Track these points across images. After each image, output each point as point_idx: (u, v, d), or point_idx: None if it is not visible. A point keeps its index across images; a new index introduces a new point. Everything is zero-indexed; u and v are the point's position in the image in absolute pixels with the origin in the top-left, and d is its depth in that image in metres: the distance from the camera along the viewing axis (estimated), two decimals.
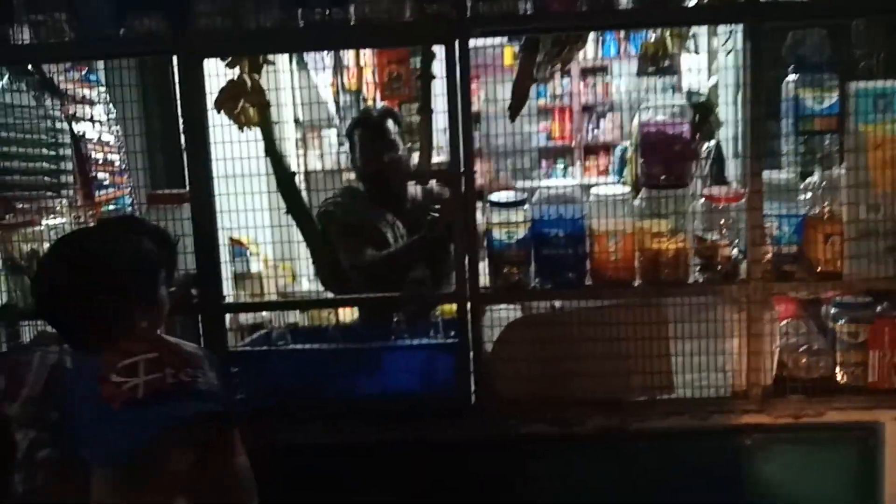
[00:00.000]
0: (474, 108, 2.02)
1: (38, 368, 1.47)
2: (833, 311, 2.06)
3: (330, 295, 2.64)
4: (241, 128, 2.44)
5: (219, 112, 2.35)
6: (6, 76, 2.26)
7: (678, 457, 2.00)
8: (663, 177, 2.02)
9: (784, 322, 2.08)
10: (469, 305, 2.02)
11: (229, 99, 2.37)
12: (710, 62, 3.33)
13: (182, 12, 2.00)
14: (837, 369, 2.03)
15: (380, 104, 2.95)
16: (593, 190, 2.06)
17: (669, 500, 1.97)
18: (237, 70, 2.38)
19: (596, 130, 6.02)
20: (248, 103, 2.39)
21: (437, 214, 2.26)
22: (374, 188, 2.56)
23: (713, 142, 2.69)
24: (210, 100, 2.12)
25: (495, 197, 2.05)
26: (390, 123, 2.57)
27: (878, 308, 2.02)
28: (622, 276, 2.05)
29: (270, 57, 2.41)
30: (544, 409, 2.05)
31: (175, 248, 1.67)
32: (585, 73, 5.88)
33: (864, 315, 2.00)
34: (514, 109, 2.29)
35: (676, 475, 1.98)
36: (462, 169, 1.96)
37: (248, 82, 2.37)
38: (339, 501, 1.97)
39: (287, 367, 2.09)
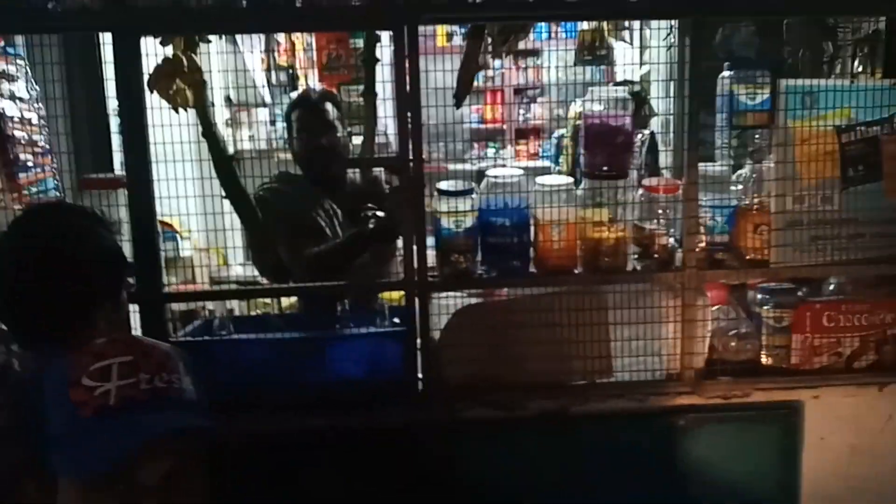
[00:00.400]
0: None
1: None
2: (759, 296, 2.18)
3: (265, 282, 2.60)
4: (175, 109, 2.34)
5: (152, 92, 2.25)
6: None
7: (617, 438, 2.09)
8: (605, 168, 2.08)
9: (715, 307, 2.18)
10: (417, 293, 2.03)
11: (164, 78, 2.26)
12: (642, 53, 3.43)
13: None
14: (763, 352, 2.16)
15: (317, 86, 2.90)
16: (538, 179, 2.10)
17: (609, 480, 2.05)
18: (170, 48, 2.30)
19: (527, 114, 6.09)
20: (183, 83, 2.30)
21: (374, 208, 2.25)
22: (312, 172, 2.52)
23: (647, 131, 2.78)
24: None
25: (444, 185, 2.06)
26: (329, 105, 2.53)
27: (800, 293, 2.16)
28: (565, 264, 2.11)
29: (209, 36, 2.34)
30: (489, 393, 2.09)
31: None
32: (517, 55, 5.92)
33: (788, 300, 2.13)
34: (460, 96, 2.29)
35: (615, 455, 2.07)
36: (411, 157, 1.96)
37: (185, 61, 2.29)
38: (290, 488, 1.96)
39: (232, 357, 2.05)
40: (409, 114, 1.95)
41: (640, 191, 2.13)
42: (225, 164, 2.45)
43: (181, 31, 2.09)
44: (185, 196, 2.16)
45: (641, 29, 3.17)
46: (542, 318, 2.07)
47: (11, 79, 2.51)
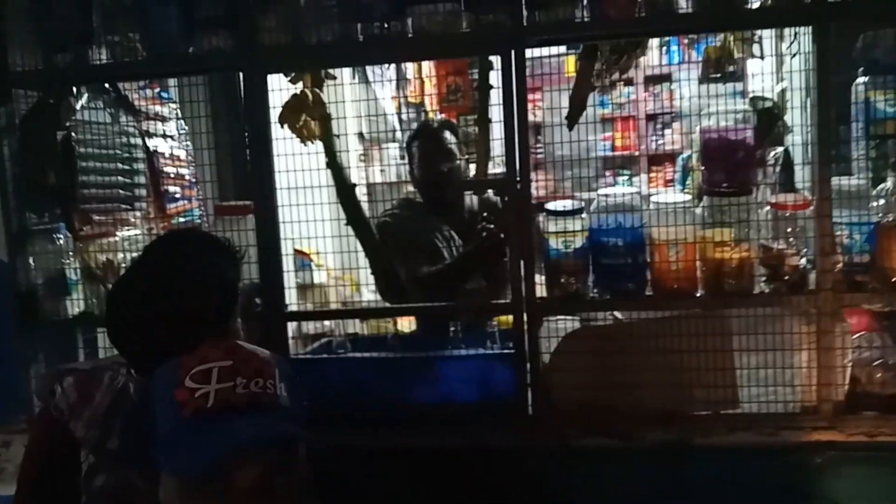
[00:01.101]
0: (536, 118, 2.02)
1: (106, 390, 1.44)
2: None
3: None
4: (303, 141, 2.50)
5: (282, 126, 2.42)
6: (85, 95, 2.38)
7: (743, 474, 1.93)
8: (725, 184, 1.97)
9: (857, 335, 1.98)
10: (525, 316, 2.01)
11: (291, 113, 2.43)
12: (778, 66, 3.23)
13: (247, 30, 2.07)
14: None
15: (438, 116, 2.99)
16: (653, 198, 2.03)
17: None
18: (300, 85, 2.46)
19: (661, 140, 5.91)
20: (309, 117, 2.45)
21: (489, 225, 2.26)
22: (431, 198, 2.59)
23: (781, 148, 2.61)
24: (274, 114, 2.19)
25: (552, 206, 2.04)
26: (448, 134, 2.61)
27: None
28: (684, 286, 2.01)
29: (332, 72, 2.48)
30: (602, 421, 2.01)
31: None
32: (649, 81, 5.79)
33: None
34: (572, 118, 2.27)
35: (741, 493, 1.91)
36: (518, 177, 1.96)
37: (310, 96, 2.44)
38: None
39: (347, 375, 2.12)
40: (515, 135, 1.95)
41: (767, 208, 2.00)
42: (347, 192, 2.57)
43: (301, 67, 2.22)
44: (316, 220, 2.28)
45: (776, 42, 3.00)
46: (660, 343, 1.98)
47: (164, 120, 2.80)
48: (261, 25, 2.06)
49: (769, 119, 2.51)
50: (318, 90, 2.47)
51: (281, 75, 2.32)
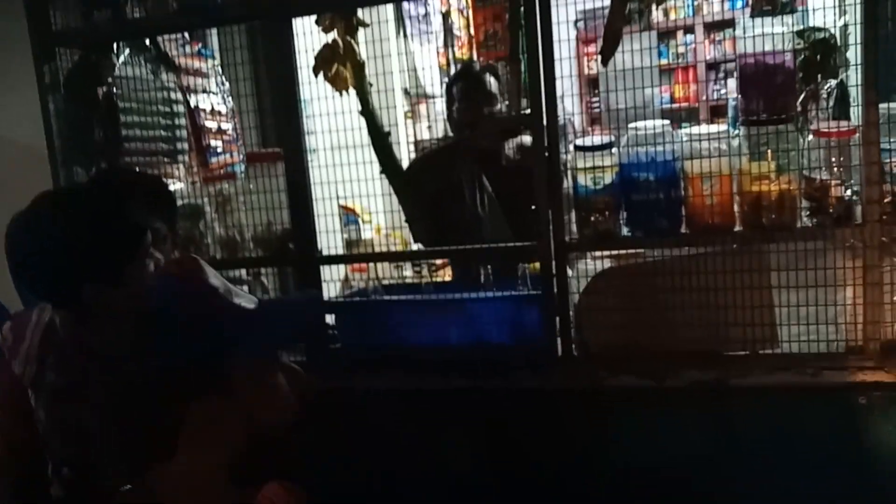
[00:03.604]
0: (592, 71, 1.96)
1: (34, 327, 1.49)
2: None
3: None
4: (339, 91, 2.50)
5: (316, 76, 2.43)
6: (125, 52, 2.44)
7: (782, 415, 1.85)
8: (763, 112, 1.86)
9: None
10: (553, 255, 1.97)
11: (324, 62, 2.43)
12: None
13: None
14: None
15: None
16: (686, 130, 1.94)
17: (771, 462, 1.82)
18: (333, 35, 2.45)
19: (723, 90, 5.65)
20: (340, 65, 2.44)
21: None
22: (468, 142, 2.54)
23: (835, 81, 2.45)
24: (300, 59, 2.20)
25: (580, 140, 1.98)
26: (490, 77, 2.56)
27: None
28: (721, 221, 1.92)
29: (367, 20, 2.46)
30: (634, 361, 1.96)
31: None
32: (710, 28, 5.53)
33: None
34: (606, 53, 2.19)
35: (780, 435, 1.83)
36: (544, 112, 1.91)
37: (341, 44, 2.43)
38: (425, 444, 1.99)
39: (376, 319, 2.14)
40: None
41: (810, 137, 1.88)
42: (381, 140, 2.56)
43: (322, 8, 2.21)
44: (366, 179, 2.28)
45: None
46: (695, 281, 1.91)
47: (205, 76, 2.84)
48: None
49: (824, 51, 2.36)
50: (349, 38, 2.46)
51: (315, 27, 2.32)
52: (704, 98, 5.60)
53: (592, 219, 1.98)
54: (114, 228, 1.39)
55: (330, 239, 2.25)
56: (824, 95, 2.46)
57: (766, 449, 1.85)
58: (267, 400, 1.11)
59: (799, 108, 2.01)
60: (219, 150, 2.84)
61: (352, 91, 2.50)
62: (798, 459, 1.81)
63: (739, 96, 1.92)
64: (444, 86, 2.68)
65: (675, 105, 5.72)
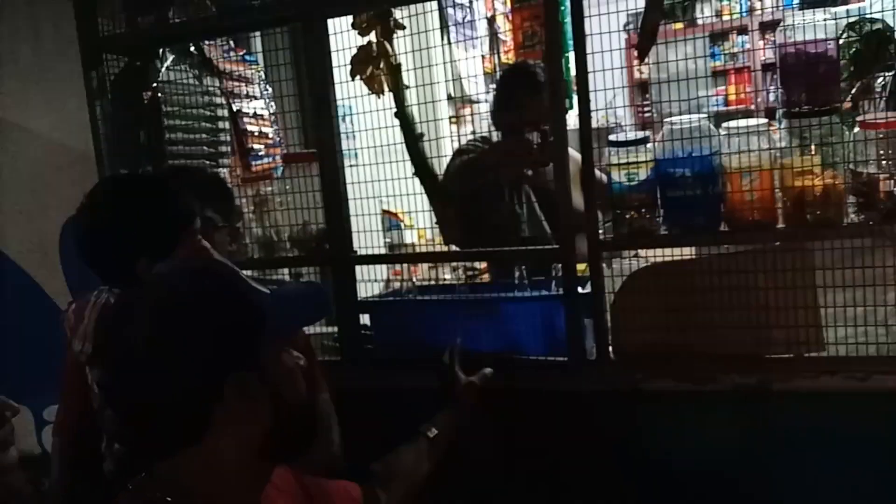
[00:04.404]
0: (643, 75, 1.93)
1: (93, 306, 1.60)
2: None
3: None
4: (375, 94, 2.51)
5: (353, 79, 2.45)
6: (169, 57, 2.52)
7: (828, 421, 1.76)
8: (806, 103, 1.78)
9: None
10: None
11: (359, 64, 2.45)
12: None
13: None
14: None
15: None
16: (725, 123, 1.88)
17: (816, 468, 1.74)
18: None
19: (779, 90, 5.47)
20: (375, 68, 2.45)
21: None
22: (513, 135, 2.50)
23: (892, 73, 2.35)
24: (335, 59, 2.22)
25: (614, 136, 1.93)
26: (542, 72, 2.53)
27: None
28: (762, 218, 1.85)
29: (402, 21, 2.47)
30: (671, 363, 1.90)
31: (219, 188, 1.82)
32: (765, 27, 5.36)
33: None
34: (643, 49, 2.14)
35: (825, 442, 1.74)
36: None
37: (375, 47, 2.44)
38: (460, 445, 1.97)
39: (409, 318, 2.14)
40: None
41: (857, 130, 1.80)
42: (415, 143, 2.56)
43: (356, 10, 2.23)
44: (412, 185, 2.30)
45: None
46: (735, 280, 1.84)
47: (248, 81, 2.91)
48: None
49: (878, 41, 2.26)
50: (385, 41, 2.47)
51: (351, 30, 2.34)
52: (760, 100, 5.43)
53: (627, 216, 1.93)
54: (162, 209, 1.50)
55: (369, 239, 2.26)
56: (878, 88, 2.36)
57: (811, 456, 1.76)
58: (290, 378, 1.12)
59: (849, 103, 1.93)
60: (261, 153, 2.90)
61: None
62: (845, 467, 1.72)
63: (780, 89, 1.84)
64: (498, 79, 2.65)
65: (730, 108, 5.57)
